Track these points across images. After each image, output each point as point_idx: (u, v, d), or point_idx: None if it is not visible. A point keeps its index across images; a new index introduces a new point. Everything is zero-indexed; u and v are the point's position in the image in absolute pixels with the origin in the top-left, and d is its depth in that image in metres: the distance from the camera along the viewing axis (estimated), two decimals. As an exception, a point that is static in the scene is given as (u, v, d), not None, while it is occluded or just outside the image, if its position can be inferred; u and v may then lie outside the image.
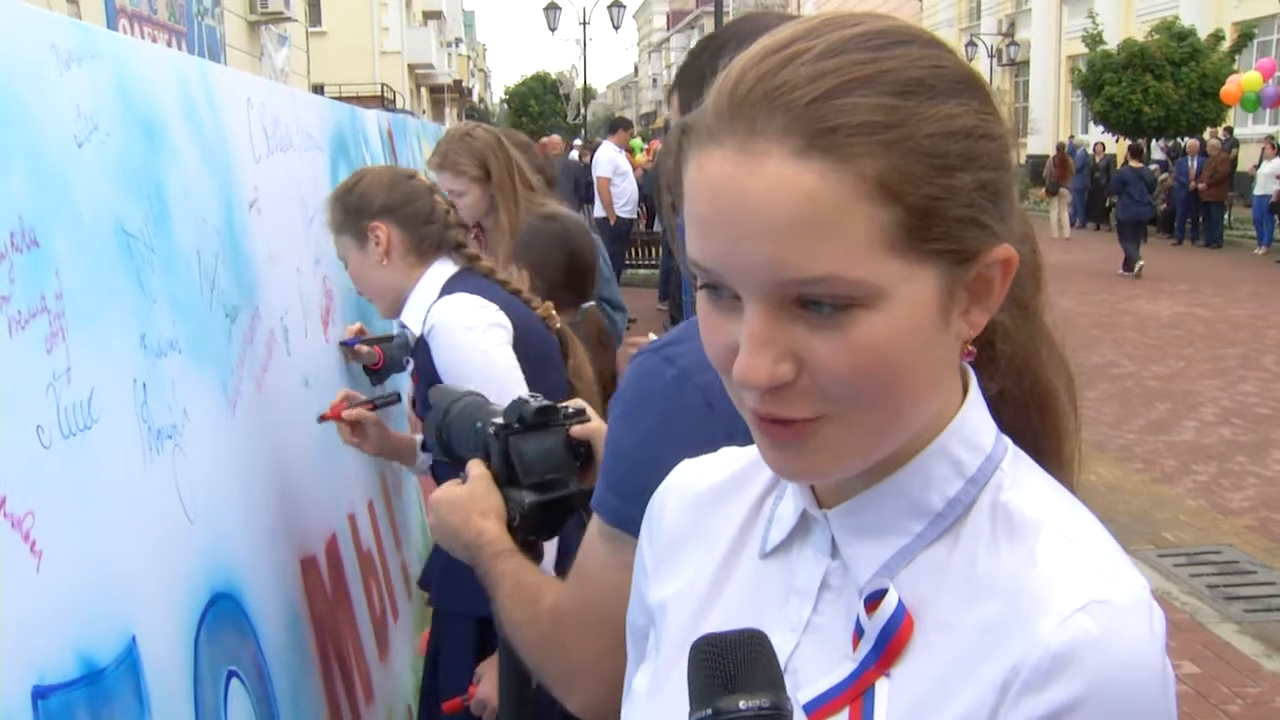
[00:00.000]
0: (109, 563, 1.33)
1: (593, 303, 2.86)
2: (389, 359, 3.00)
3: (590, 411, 1.66)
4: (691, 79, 1.31)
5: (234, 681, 1.69)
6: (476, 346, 2.13)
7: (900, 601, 0.73)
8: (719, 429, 1.07)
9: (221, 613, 1.67)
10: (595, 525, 1.21)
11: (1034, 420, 0.84)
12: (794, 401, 0.70)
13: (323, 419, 2.14)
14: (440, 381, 2.03)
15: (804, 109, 0.66)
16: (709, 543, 0.87)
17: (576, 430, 1.61)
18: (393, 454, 2.31)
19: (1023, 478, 0.77)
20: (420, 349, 2.22)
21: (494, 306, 2.24)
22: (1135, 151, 17.97)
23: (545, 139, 14.83)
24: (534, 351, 2.23)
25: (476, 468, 1.55)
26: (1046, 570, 0.70)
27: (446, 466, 1.72)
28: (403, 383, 3.29)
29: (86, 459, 1.31)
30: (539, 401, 1.59)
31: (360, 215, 2.30)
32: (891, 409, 0.71)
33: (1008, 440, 0.79)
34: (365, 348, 2.83)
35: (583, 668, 1.21)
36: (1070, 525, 0.74)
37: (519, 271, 2.66)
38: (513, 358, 2.18)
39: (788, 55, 0.68)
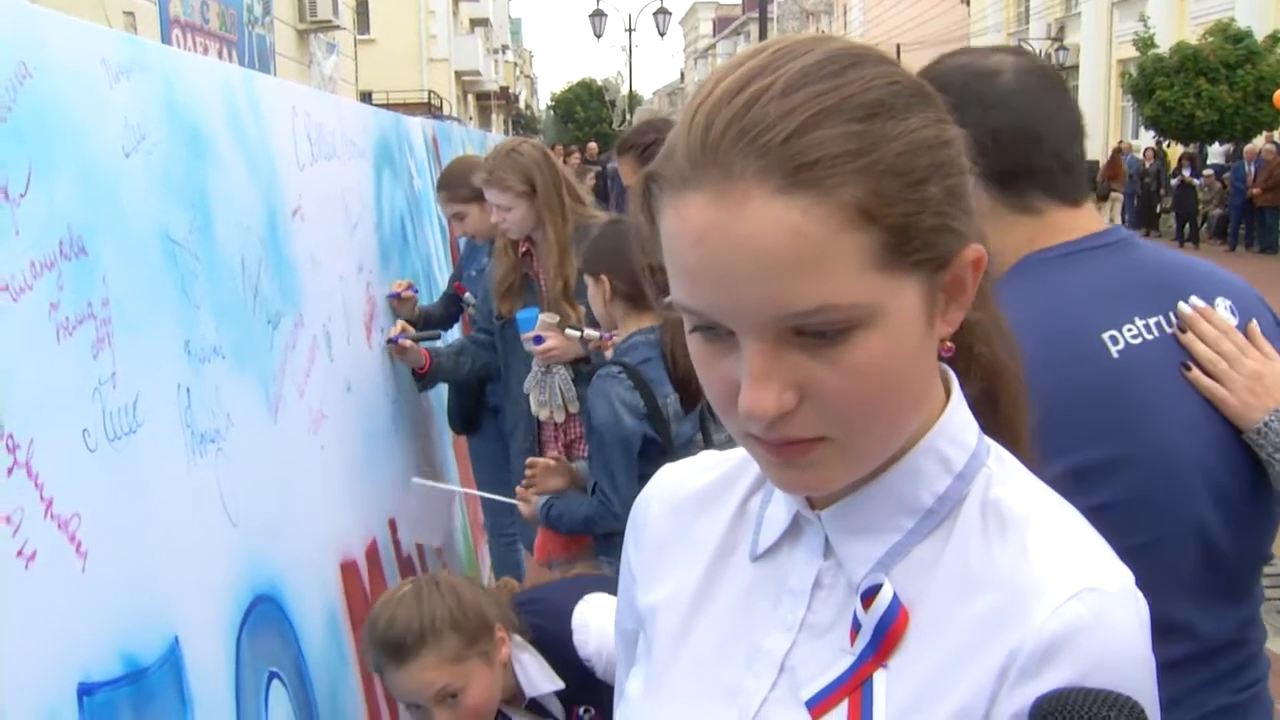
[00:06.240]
0: (153, 564, 1.36)
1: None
2: (435, 366, 3.20)
3: None
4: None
5: (275, 682, 1.72)
6: None
7: (895, 595, 0.76)
8: None
9: (263, 614, 1.70)
10: None
11: (1010, 411, 0.87)
12: (798, 424, 0.72)
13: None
14: None
15: (779, 147, 0.67)
16: (695, 547, 0.89)
17: None
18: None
19: (1009, 474, 0.80)
20: None
21: None
22: (1189, 160, 17.64)
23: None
24: None
25: None
26: (1038, 563, 0.74)
27: None
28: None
29: (131, 462, 1.34)
30: None
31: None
32: (890, 420, 0.74)
33: (988, 438, 0.82)
34: (409, 342, 3.10)
35: None
36: (1058, 520, 0.77)
37: (594, 281, 2.64)
38: None
39: (751, 95, 0.69)
